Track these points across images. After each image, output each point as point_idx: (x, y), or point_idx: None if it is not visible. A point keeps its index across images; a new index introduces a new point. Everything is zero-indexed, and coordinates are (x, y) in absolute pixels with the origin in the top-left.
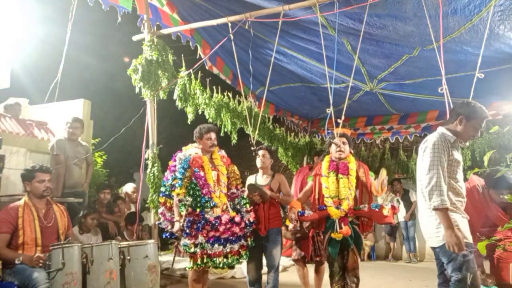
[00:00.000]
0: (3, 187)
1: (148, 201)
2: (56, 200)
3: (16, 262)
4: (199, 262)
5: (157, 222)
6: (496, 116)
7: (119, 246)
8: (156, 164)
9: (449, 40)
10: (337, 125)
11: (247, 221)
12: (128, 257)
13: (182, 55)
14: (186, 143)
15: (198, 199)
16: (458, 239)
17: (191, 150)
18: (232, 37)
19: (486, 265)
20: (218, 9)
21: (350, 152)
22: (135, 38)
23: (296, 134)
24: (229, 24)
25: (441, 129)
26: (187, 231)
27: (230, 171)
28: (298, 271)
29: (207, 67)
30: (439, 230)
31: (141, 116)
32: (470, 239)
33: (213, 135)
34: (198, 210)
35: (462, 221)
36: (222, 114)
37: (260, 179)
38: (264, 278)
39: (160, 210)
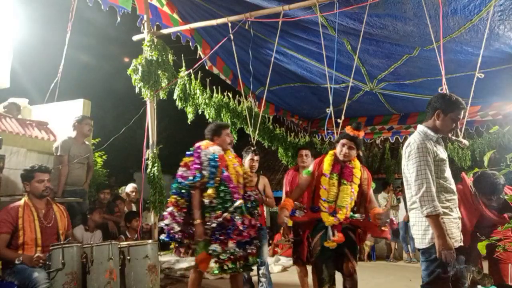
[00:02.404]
0: (3, 187)
1: (148, 201)
2: (56, 200)
3: (16, 262)
4: (230, 266)
5: (164, 223)
6: (496, 116)
7: (119, 246)
8: (156, 164)
9: (449, 40)
10: (337, 125)
11: (259, 224)
12: (128, 257)
13: (182, 55)
14: (185, 143)
15: (229, 203)
16: (450, 248)
17: (214, 148)
18: (232, 37)
19: (485, 265)
20: (218, 9)
21: (358, 155)
22: (135, 38)
23: (296, 134)
24: (229, 24)
25: (421, 128)
26: (218, 235)
27: (244, 172)
28: (298, 273)
29: (207, 67)
30: (427, 233)
31: (141, 116)
32: (458, 242)
33: (229, 131)
34: (229, 215)
35: (451, 224)
36: (222, 114)
37: None
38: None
39: (168, 210)
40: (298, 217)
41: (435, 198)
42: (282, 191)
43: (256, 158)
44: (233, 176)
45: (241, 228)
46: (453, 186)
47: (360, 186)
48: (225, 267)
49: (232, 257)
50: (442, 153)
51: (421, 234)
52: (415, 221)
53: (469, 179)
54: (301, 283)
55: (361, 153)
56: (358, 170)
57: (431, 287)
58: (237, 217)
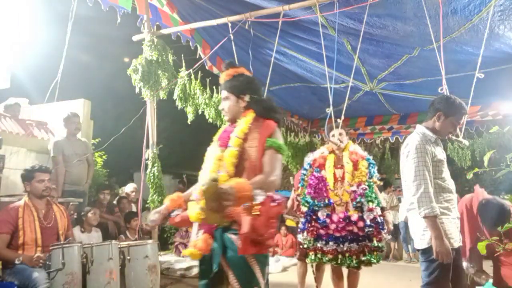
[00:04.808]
0: (3, 187)
1: (148, 201)
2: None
3: (16, 262)
4: (312, 257)
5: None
6: (496, 116)
7: (119, 246)
8: (156, 164)
9: (449, 40)
10: (337, 125)
11: (368, 221)
12: (128, 257)
13: (182, 55)
14: (185, 143)
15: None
16: (447, 249)
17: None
18: (232, 37)
19: (486, 265)
20: (218, 9)
21: (250, 107)
22: (135, 38)
23: (296, 134)
24: (229, 24)
25: (420, 128)
26: (303, 227)
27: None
28: (298, 269)
29: (207, 67)
30: (426, 233)
31: (141, 116)
32: (457, 242)
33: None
34: (316, 208)
35: (450, 224)
36: (222, 114)
37: None
38: None
39: None
40: (174, 218)
41: (433, 199)
42: (282, 191)
43: None
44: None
45: (321, 220)
46: (451, 186)
47: (245, 150)
48: (312, 256)
49: (317, 247)
50: (440, 154)
51: (420, 234)
52: (414, 221)
53: (479, 193)
54: (298, 281)
55: (246, 98)
56: (244, 125)
57: (431, 287)
58: (321, 212)
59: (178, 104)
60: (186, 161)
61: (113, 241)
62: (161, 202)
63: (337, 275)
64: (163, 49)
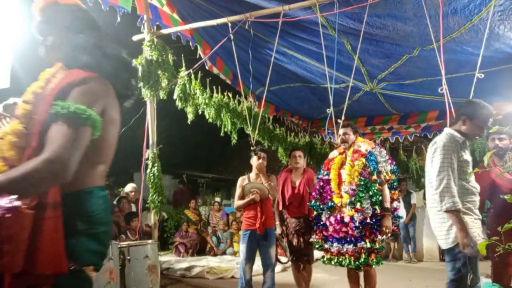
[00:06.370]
0: None
1: (148, 201)
2: None
3: None
4: (324, 259)
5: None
6: (497, 116)
7: (119, 246)
8: (156, 164)
9: (449, 40)
10: (337, 125)
11: (357, 222)
12: (128, 257)
13: (182, 55)
14: (186, 143)
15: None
16: (472, 242)
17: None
18: (232, 37)
19: (486, 265)
20: (218, 9)
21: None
22: (135, 38)
23: (296, 134)
24: (229, 24)
25: (448, 130)
26: (313, 229)
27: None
28: (292, 271)
29: (207, 67)
30: (450, 232)
31: (141, 116)
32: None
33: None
34: (322, 211)
35: (473, 224)
36: (222, 114)
37: (255, 179)
38: (260, 278)
39: None
40: None
41: (456, 194)
42: None
43: (263, 155)
44: (333, 175)
45: (323, 222)
46: (474, 188)
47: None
48: (325, 257)
49: (324, 248)
50: (467, 155)
51: (444, 234)
52: (437, 221)
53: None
54: (295, 282)
55: (49, 41)
56: (36, 83)
57: (456, 284)
58: (324, 214)
59: (178, 104)
60: (186, 161)
61: (113, 241)
62: (161, 202)
63: (350, 277)
64: (163, 49)
